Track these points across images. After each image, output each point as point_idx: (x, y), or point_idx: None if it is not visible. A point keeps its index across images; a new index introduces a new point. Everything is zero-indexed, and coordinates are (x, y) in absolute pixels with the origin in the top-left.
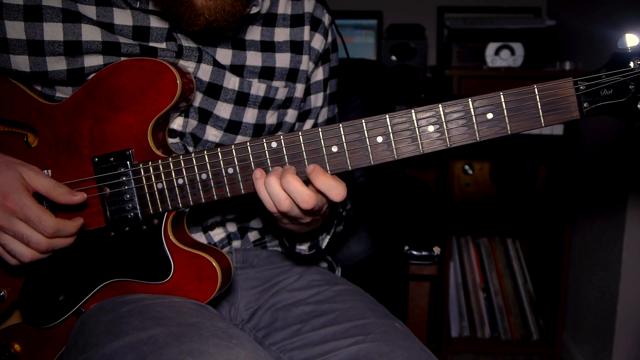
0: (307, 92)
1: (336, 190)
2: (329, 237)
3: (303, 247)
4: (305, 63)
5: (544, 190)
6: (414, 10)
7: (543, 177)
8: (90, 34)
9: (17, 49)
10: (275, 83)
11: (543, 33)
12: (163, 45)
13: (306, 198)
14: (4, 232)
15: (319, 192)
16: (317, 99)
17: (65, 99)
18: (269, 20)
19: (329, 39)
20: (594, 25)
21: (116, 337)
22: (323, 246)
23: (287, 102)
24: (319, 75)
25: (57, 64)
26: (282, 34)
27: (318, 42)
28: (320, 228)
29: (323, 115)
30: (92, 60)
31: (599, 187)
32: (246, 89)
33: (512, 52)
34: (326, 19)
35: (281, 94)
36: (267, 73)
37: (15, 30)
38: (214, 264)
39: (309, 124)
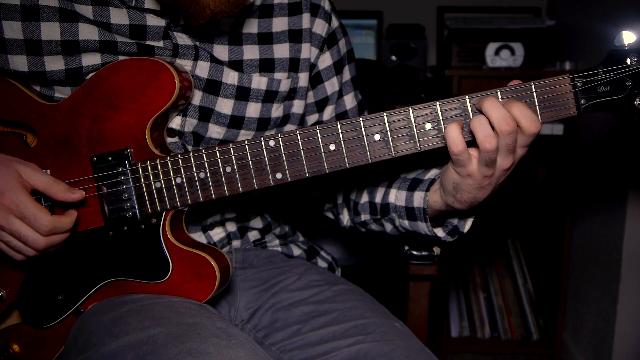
0: (319, 80)
1: (531, 119)
2: (472, 219)
3: (440, 234)
4: (307, 51)
5: (543, 191)
6: (414, 10)
7: (543, 177)
8: (88, 33)
9: (15, 49)
10: (277, 75)
11: (543, 33)
12: (160, 44)
13: (533, 117)
14: (3, 230)
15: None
16: (332, 85)
17: (63, 99)
18: (266, 11)
19: (334, 23)
20: (594, 25)
21: (115, 337)
22: (465, 230)
23: (292, 93)
24: (327, 60)
25: (55, 63)
26: (280, 24)
27: (320, 27)
28: (465, 211)
29: (350, 101)
30: (90, 60)
31: (598, 187)
32: (246, 83)
33: (512, 52)
34: (326, 4)
35: (284, 86)
36: (266, 65)
37: (13, 30)
38: (212, 263)
39: (329, 110)
